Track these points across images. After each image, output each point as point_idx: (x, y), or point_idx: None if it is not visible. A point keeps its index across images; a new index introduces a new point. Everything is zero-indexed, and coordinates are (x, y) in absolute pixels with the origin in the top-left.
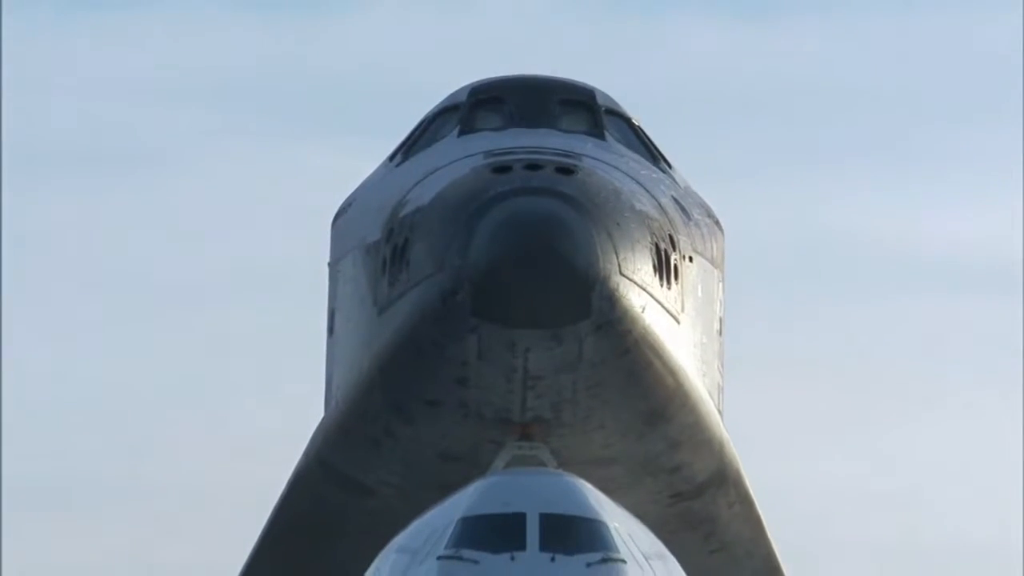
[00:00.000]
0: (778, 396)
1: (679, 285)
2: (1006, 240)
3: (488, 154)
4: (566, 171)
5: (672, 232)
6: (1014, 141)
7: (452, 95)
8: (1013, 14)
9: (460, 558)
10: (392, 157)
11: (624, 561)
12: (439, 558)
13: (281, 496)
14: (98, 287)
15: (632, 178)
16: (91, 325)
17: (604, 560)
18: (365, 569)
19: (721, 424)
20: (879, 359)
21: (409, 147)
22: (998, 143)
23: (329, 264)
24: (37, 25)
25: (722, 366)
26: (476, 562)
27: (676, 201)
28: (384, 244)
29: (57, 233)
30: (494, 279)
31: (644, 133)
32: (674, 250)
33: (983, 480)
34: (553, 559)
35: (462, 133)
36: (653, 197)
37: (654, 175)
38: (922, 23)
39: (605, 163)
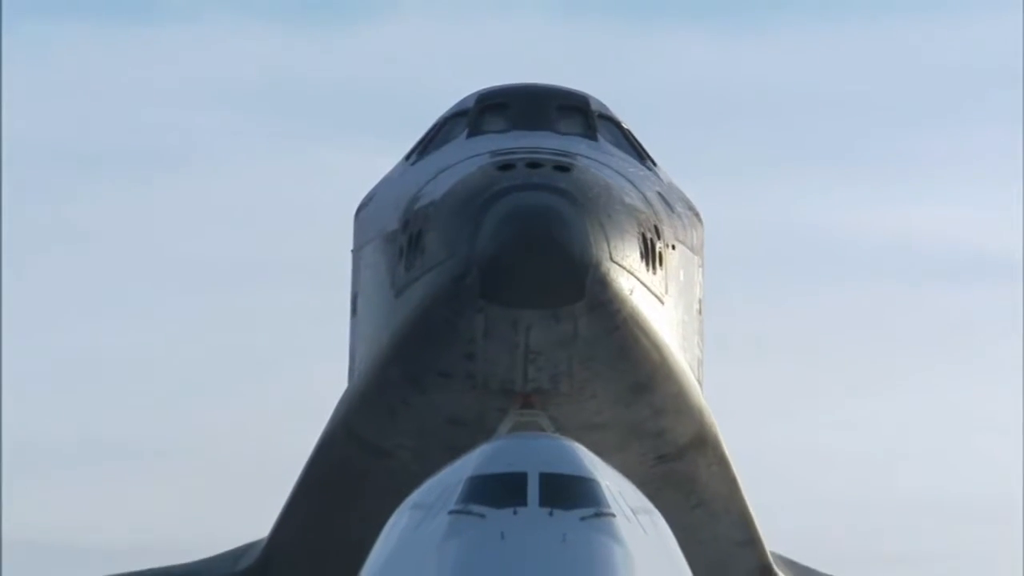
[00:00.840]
0: (752, 369)
1: (663, 270)
2: (953, 231)
3: (494, 154)
4: (563, 169)
5: (657, 223)
6: (962, 144)
7: (461, 101)
8: (963, 31)
9: (468, 512)
10: (408, 156)
11: (614, 515)
12: (450, 512)
13: (310, 457)
14: (146, 272)
15: (621, 175)
16: (141, 305)
17: (596, 514)
18: (383, 523)
19: (701, 394)
20: (841, 336)
21: (423, 147)
22: (945, 146)
23: (352, 251)
24: (86, 39)
25: (702, 342)
26: (483, 516)
27: (660, 195)
28: (401, 234)
29: (112, 223)
30: (499, 265)
31: (632, 135)
32: (659, 239)
33: (932, 442)
34: (551, 513)
35: (470, 135)
36: (640, 192)
37: (641, 172)
38: (879, 41)
39: (597, 162)
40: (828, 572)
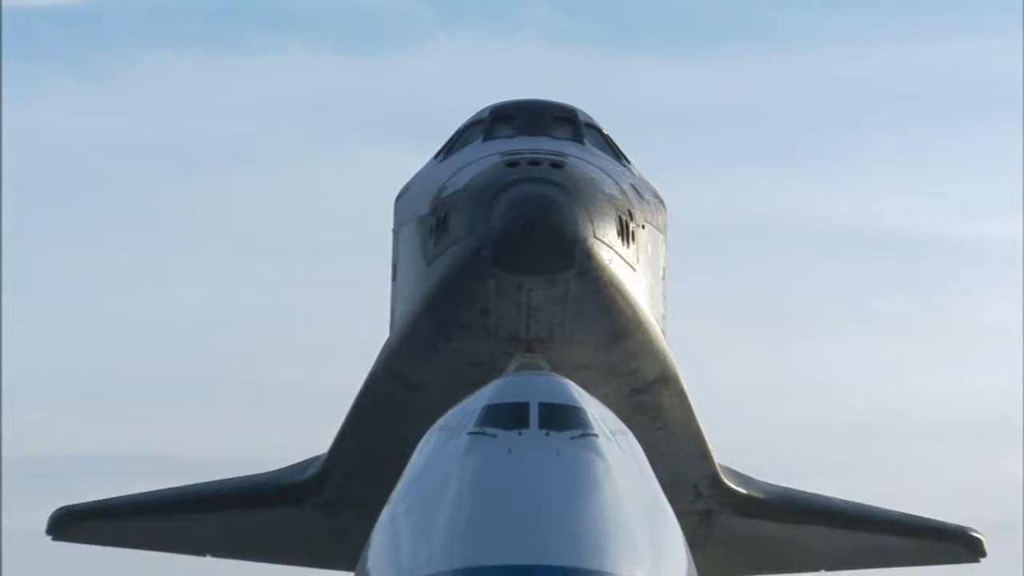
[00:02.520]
0: (707, 322)
1: (635, 245)
2: (864, 216)
3: (503, 154)
4: (557, 166)
5: (630, 208)
6: (861, 145)
7: (478, 113)
8: (862, 58)
9: (483, 433)
10: (436, 156)
11: (597, 436)
12: (469, 433)
13: (359, 391)
14: (233, 245)
15: (602, 171)
16: (230, 271)
17: (583, 435)
18: (417, 441)
19: (664, 341)
20: (780, 297)
21: (448, 149)
22: (851, 146)
23: (392, 231)
24: (191, 65)
25: (665, 301)
26: (494, 436)
27: (633, 186)
28: (431, 216)
29: (205, 206)
30: (507, 240)
31: (611, 139)
32: (632, 220)
33: (851, 378)
34: (547, 434)
35: (485, 139)
36: (617, 184)
37: (618, 168)
38: (801, 65)
39: (584, 160)
40: (765, 480)
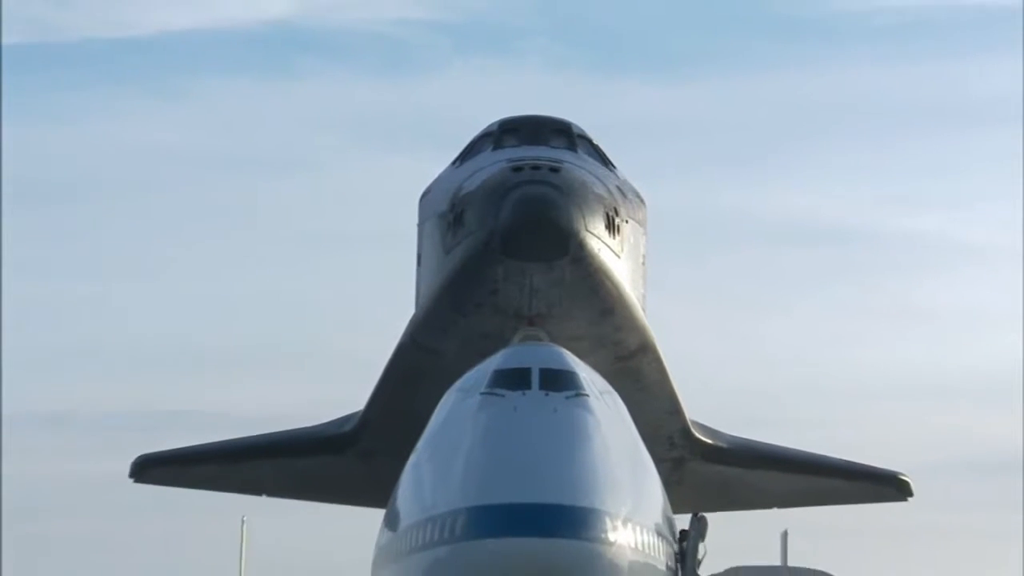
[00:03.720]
0: (681, 303)
1: (620, 237)
2: (813, 214)
3: (509, 160)
4: (554, 170)
5: (616, 206)
6: (824, 154)
7: (488, 126)
8: (814, 81)
9: (493, 393)
10: (454, 162)
11: (588, 395)
12: (481, 393)
13: (390, 358)
14: (285, 238)
15: (592, 174)
16: (279, 261)
17: (576, 395)
18: (438, 400)
19: (644, 317)
20: (743, 282)
21: (463, 156)
22: (812, 155)
23: (417, 225)
24: (244, 89)
25: (645, 284)
26: (502, 396)
27: (618, 187)
28: (449, 213)
29: (265, 207)
30: (513, 233)
31: (599, 148)
32: (617, 216)
33: (801, 350)
34: (547, 394)
35: (494, 148)
36: (605, 185)
37: (605, 172)
38: (765, 85)
39: (577, 166)
40: (728, 432)
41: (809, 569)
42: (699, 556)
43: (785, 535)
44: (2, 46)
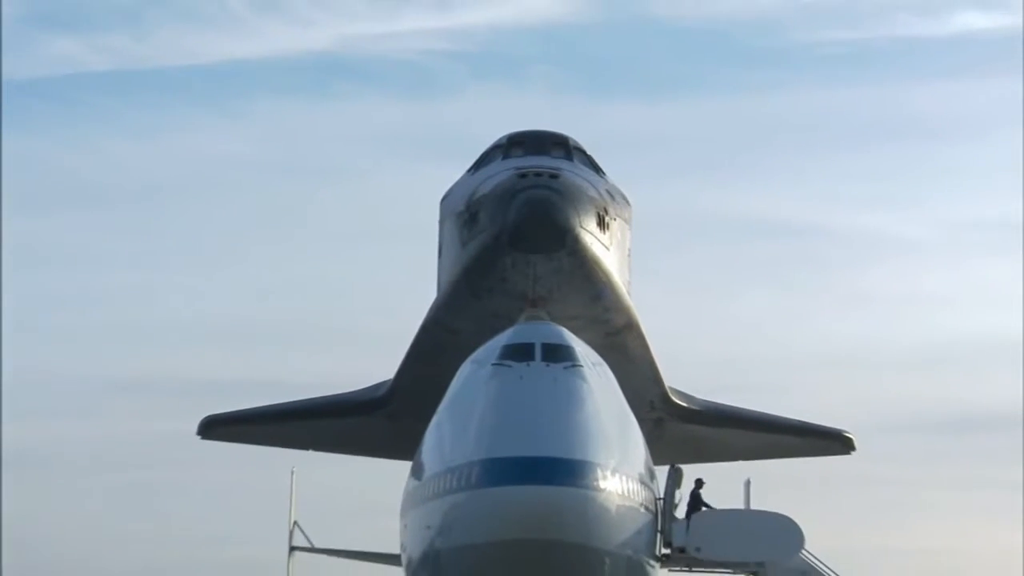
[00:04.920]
0: (661, 288)
1: (609, 232)
2: (774, 212)
3: (516, 168)
4: (554, 177)
5: (606, 206)
6: (784, 161)
7: (498, 139)
8: (773, 100)
9: (502, 364)
10: (469, 169)
11: (583, 366)
12: (492, 364)
13: (416, 334)
14: (329, 234)
15: (586, 180)
16: (325, 253)
17: (573, 366)
18: (455, 371)
19: (629, 300)
20: (714, 271)
21: (477, 165)
22: (775, 162)
23: (438, 222)
24: (300, 106)
25: (630, 272)
26: (510, 366)
27: (608, 191)
28: (465, 212)
29: (313, 209)
30: (519, 230)
31: (592, 158)
32: (607, 215)
33: (764, 326)
34: (548, 365)
35: (503, 158)
36: (596, 189)
37: (597, 178)
38: (736, 105)
39: (573, 173)
40: (700, 396)
41: (768, 511)
42: (675, 501)
43: (748, 484)
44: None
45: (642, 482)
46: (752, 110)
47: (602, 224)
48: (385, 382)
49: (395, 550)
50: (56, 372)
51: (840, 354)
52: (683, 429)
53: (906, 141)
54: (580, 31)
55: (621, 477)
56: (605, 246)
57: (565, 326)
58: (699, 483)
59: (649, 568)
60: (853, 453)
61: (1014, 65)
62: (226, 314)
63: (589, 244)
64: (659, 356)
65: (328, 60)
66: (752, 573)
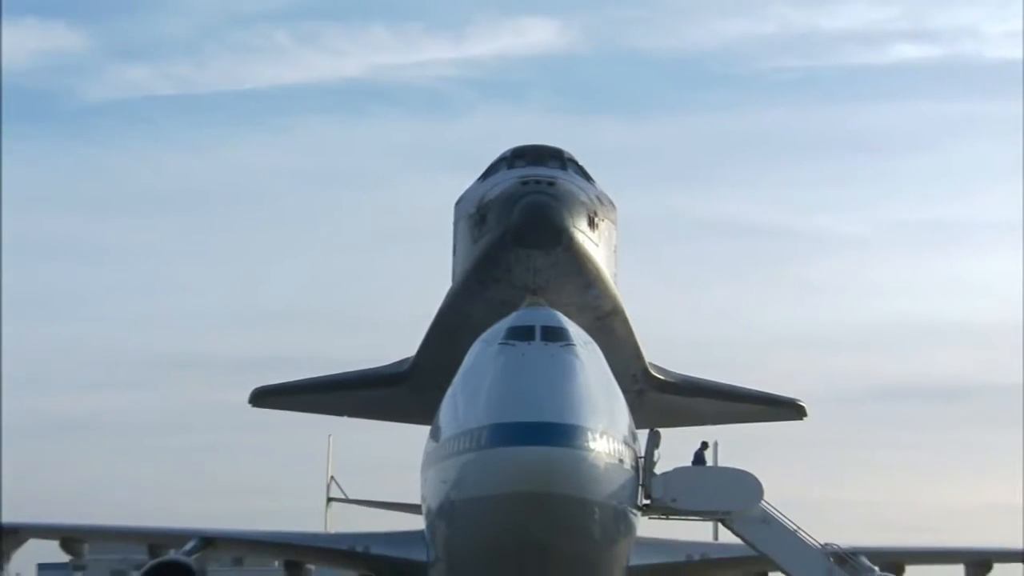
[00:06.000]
0: (643, 280)
1: (598, 231)
2: (743, 216)
3: (519, 177)
4: (551, 184)
5: (596, 209)
6: (752, 171)
7: (503, 152)
8: (741, 117)
9: (508, 343)
10: (479, 178)
11: (576, 345)
12: (499, 343)
13: (434, 318)
14: (361, 235)
15: (579, 187)
16: (356, 251)
17: (567, 345)
18: (468, 350)
19: (615, 288)
20: (688, 265)
21: (486, 173)
22: (743, 172)
23: (453, 223)
24: (335, 124)
25: (616, 266)
26: (514, 345)
27: (597, 196)
28: (476, 214)
29: (347, 214)
30: (521, 229)
31: (583, 167)
32: (597, 216)
33: (732, 312)
34: (546, 344)
35: (508, 168)
36: (587, 194)
37: (588, 185)
38: (716, 119)
39: (568, 180)
40: (676, 371)
41: (733, 468)
42: (655, 460)
43: (716, 445)
44: None
45: (626, 443)
46: (719, 127)
47: (592, 224)
48: (408, 358)
49: (417, 501)
50: (124, 350)
51: (794, 335)
52: (661, 399)
53: (850, 153)
54: (574, 60)
55: (608, 439)
56: (595, 243)
57: (560, 311)
58: (704, 445)
59: (632, 516)
60: (805, 419)
61: (940, 89)
62: (270, 302)
63: (581, 242)
64: (641, 337)
65: (358, 85)
66: (720, 520)
